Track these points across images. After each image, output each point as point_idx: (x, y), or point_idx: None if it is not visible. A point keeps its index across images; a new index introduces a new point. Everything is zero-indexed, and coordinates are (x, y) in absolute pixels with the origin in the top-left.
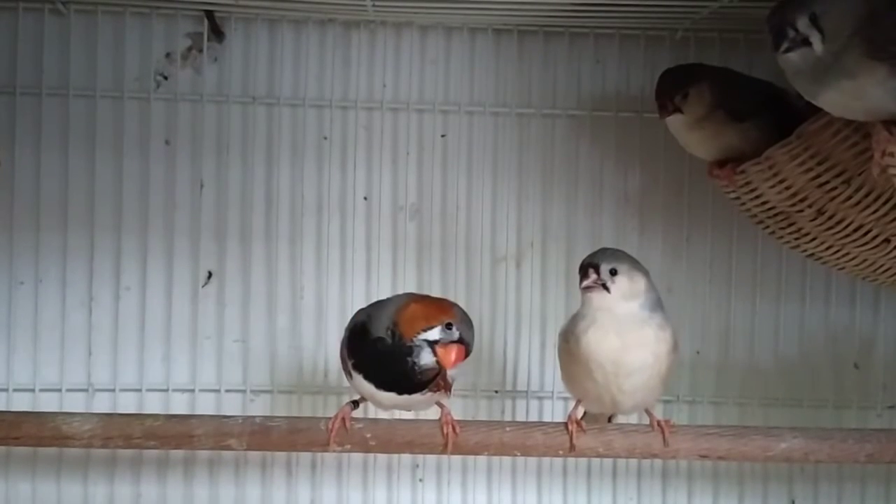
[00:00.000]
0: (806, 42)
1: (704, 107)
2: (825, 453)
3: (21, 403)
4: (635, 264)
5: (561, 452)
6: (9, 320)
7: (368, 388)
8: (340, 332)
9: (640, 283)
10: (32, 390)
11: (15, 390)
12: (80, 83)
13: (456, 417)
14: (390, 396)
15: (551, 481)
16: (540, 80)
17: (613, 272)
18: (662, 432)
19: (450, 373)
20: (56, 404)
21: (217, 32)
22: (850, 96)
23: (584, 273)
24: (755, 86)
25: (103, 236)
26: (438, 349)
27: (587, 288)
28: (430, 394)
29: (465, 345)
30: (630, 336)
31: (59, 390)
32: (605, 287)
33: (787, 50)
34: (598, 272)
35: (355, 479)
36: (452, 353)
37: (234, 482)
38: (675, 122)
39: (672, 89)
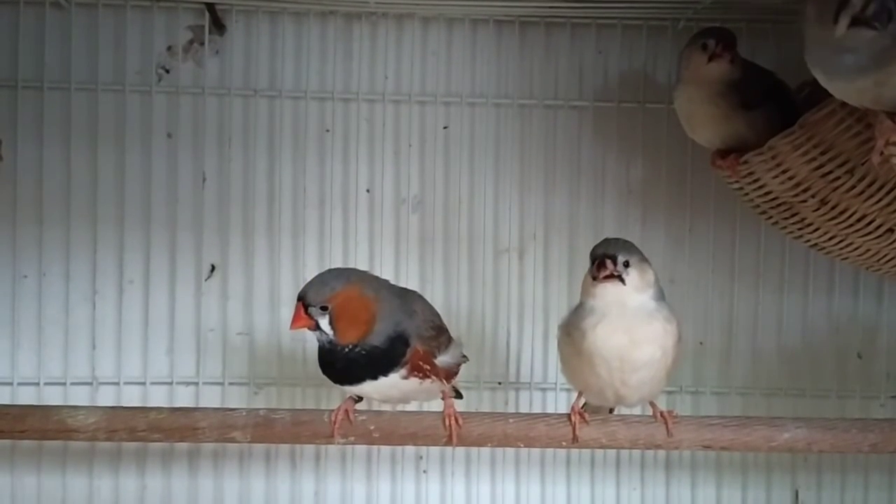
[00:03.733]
0: (891, 16)
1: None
2: (828, 443)
3: (26, 397)
4: (642, 255)
5: (564, 444)
6: (13, 314)
7: (350, 388)
8: None
9: (650, 274)
10: (37, 384)
11: (19, 384)
12: (82, 77)
13: (459, 409)
14: (373, 387)
15: (555, 472)
16: (542, 71)
17: (626, 264)
18: (665, 423)
19: (443, 359)
20: (60, 398)
21: (218, 25)
22: (877, 83)
23: (600, 264)
24: (762, 75)
25: (106, 230)
26: None
27: (605, 278)
28: (415, 380)
29: (300, 300)
30: (638, 331)
31: (64, 384)
32: (620, 279)
33: (869, 23)
34: (614, 263)
35: (359, 471)
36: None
37: (239, 475)
38: (695, 92)
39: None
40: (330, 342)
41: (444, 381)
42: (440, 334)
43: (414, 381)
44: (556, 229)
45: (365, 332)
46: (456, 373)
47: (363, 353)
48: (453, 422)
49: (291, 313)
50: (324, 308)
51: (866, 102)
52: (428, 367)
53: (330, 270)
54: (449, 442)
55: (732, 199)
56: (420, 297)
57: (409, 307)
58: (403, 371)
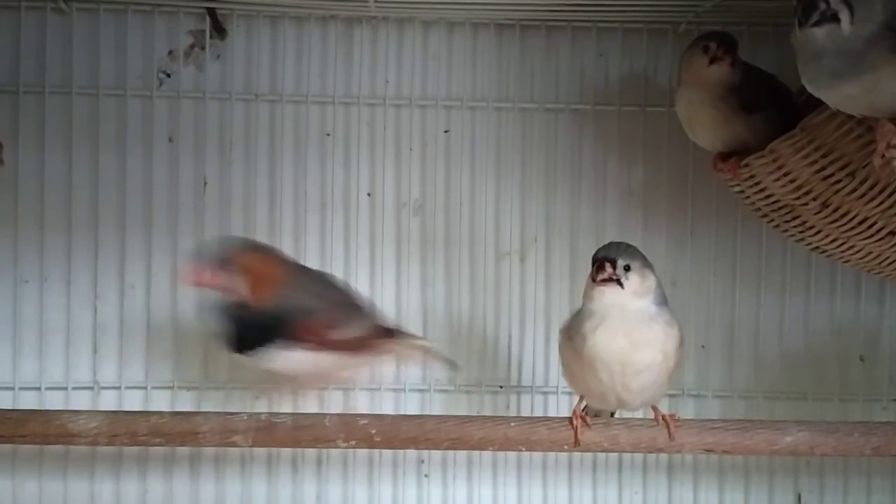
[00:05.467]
0: (835, 18)
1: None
2: (831, 446)
3: (27, 401)
4: (645, 260)
5: (566, 447)
6: (14, 319)
7: (248, 358)
8: None
9: (651, 279)
10: (38, 388)
11: (21, 388)
12: (83, 81)
13: (461, 413)
14: (270, 356)
15: (556, 476)
16: (542, 75)
17: (627, 268)
18: (668, 426)
19: (342, 332)
20: (62, 402)
21: (219, 30)
22: (865, 89)
23: (599, 267)
24: (764, 79)
25: (107, 234)
26: None
27: (603, 281)
28: (308, 353)
29: (200, 258)
30: (639, 334)
31: (65, 388)
32: (618, 283)
33: (816, 23)
34: (614, 266)
35: (361, 475)
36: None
37: (240, 479)
38: (696, 95)
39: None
40: (236, 302)
41: (349, 355)
42: (341, 309)
43: (305, 356)
44: (557, 233)
45: (271, 294)
46: (357, 347)
47: (261, 318)
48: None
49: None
50: (228, 262)
51: (862, 110)
52: (317, 338)
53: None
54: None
55: (734, 202)
56: (325, 274)
57: (306, 285)
58: (287, 344)
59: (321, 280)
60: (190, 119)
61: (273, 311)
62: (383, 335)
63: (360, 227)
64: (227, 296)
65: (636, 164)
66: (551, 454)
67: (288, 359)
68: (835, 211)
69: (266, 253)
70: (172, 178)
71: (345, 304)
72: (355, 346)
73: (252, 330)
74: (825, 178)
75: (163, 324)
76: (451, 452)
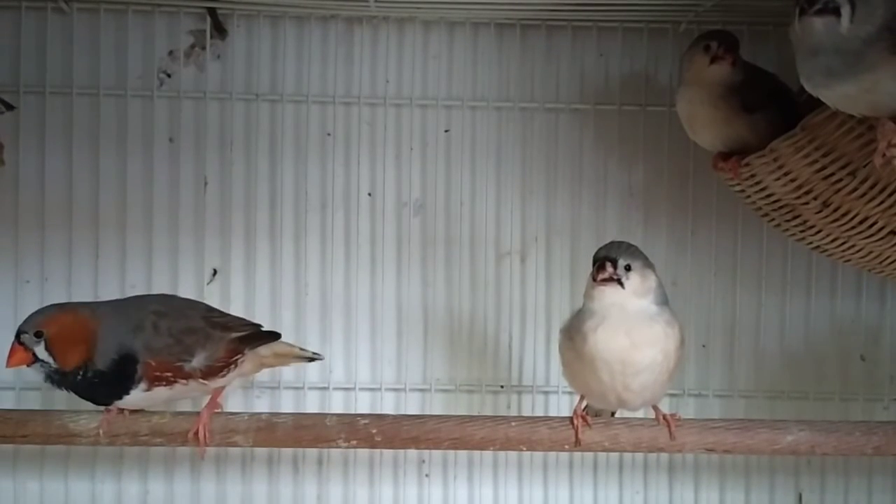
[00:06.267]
0: (837, 11)
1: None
2: (832, 446)
3: (28, 402)
4: (646, 260)
5: (567, 447)
6: (15, 319)
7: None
8: (345, 327)
9: (652, 280)
10: (39, 389)
11: (22, 389)
12: (84, 81)
13: (462, 412)
14: (126, 402)
15: (557, 475)
16: (543, 75)
17: (628, 268)
18: (668, 426)
19: (198, 360)
20: (63, 402)
21: (220, 29)
22: (863, 90)
23: (600, 266)
24: (764, 78)
25: (108, 234)
26: None
27: (603, 281)
28: (163, 388)
29: (18, 343)
30: (639, 334)
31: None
32: (619, 282)
33: (819, 12)
34: (614, 266)
35: (361, 475)
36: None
37: (241, 479)
38: (696, 94)
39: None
40: (56, 372)
41: (206, 381)
42: (188, 336)
43: (162, 390)
44: (557, 232)
45: (87, 352)
46: (224, 366)
47: (95, 379)
48: (202, 433)
49: (294, 318)
50: (38, 334)
51: (862, 110)
52: (170, 374)
53: (46, 305)
54: (196, 442)
55: (734, 202)
56: (160, 302)
57: (138, 322)
58: (143, 385)
59: (163, 311)
60: (190, 119)
61: (98, 372)
62: (240, 350)
63: (361, 228)
64: (42, 369)
65: (636, 163)
66: (552, 454)
67: (146, 399)
68: (835, 210)
69: (75, 314)
70: (172, 178)
71: (194, 329)
72: (215, 371)
73: (106, 383)
74: (826, 178)
75: None
76: (451, 452)
